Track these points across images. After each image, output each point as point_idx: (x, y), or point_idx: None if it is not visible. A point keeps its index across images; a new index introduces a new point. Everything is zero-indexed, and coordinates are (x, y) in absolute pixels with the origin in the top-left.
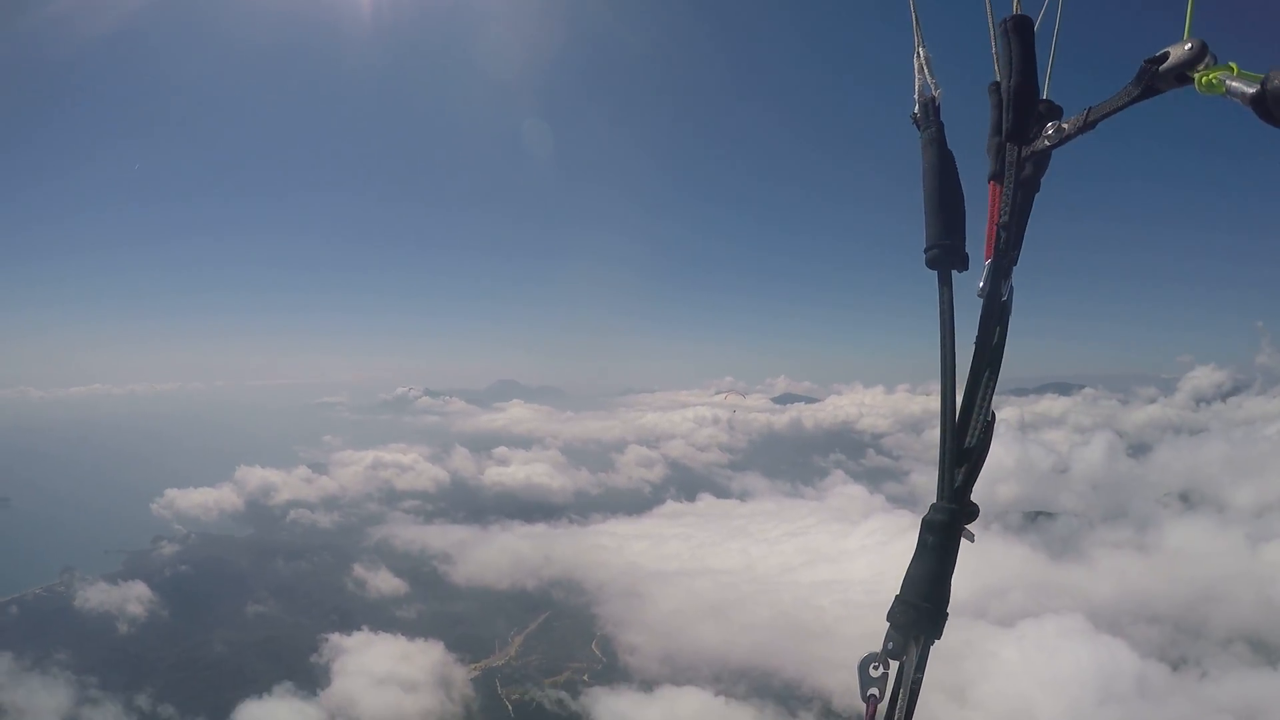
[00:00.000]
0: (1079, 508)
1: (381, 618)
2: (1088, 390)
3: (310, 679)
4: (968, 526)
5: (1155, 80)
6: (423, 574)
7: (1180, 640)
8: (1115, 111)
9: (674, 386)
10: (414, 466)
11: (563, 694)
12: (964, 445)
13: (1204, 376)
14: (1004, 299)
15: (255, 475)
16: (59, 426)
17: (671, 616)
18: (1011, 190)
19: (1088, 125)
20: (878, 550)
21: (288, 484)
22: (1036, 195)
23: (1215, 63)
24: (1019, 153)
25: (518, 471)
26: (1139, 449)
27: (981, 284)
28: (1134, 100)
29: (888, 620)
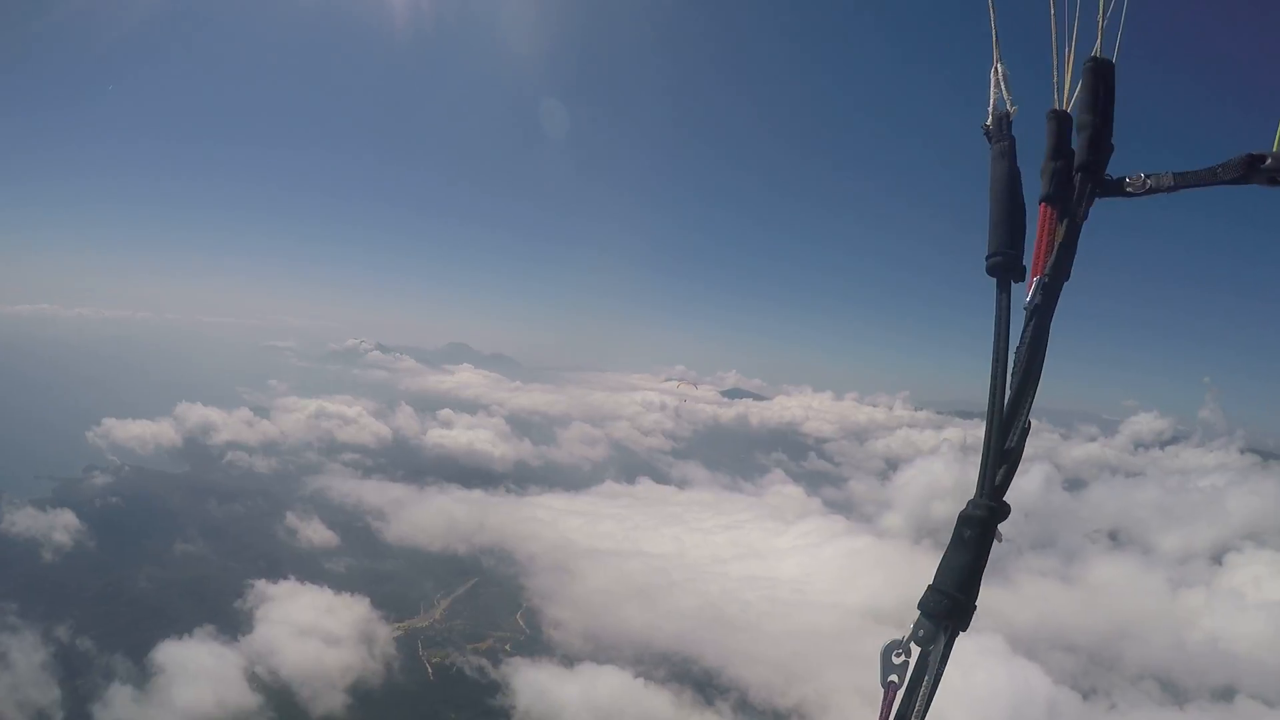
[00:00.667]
0: (1010, 533)
1: (310, 568)
2: (1030, 421)
3: (233, 623)
4: (999, 527)
5: (1251, 174)
6: (355, 528)
7: (1093, 671)
8: (1202, 186)
9: (625, 369)
10: (357, 420)
11: (484, 661)
12: (1005, 446)
13: (1146, 422)
14: (1050, 314)
15: (196, 412)
16: (1, 341)
17: (599, 595)
18: (1075, 218)
19: (1174, 188)
20: (809, 552)
21: (228, 424)
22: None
23: None
24: (1089, 187)
25: (460, 435)
26: (1075, 484)
27: (1028, 298)
28: (1225, 183)
29: (919, 608)
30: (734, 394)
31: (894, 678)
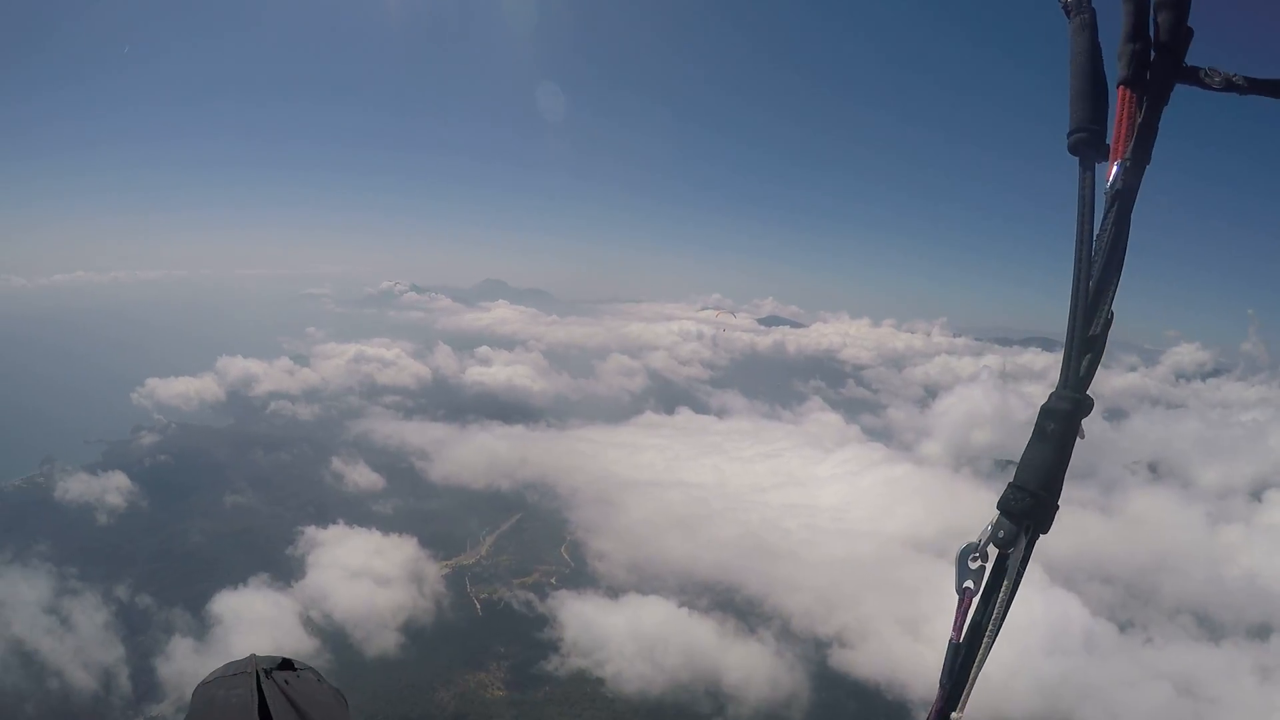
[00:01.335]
0: None
1: (357, 511)
2: (1114, 312)
3: (286, 570)
4: (1082, 423)
5: None
6: (400, 470)
7: (1130, 604)
8: (1275, 96)
9: (660, 299)
10: (396, 362)
11: (531, 595)
12: (1090, 334)
13: (1188, 354)
14: (1133, 198)
15: (237, 365)
16: (40, 314)
17: (641, 526)
18: (1156, 100)
19: (1247, 90)
20: (848, 480)
21: (269, 375)
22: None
23: None
24: (1168, 70)
25: (499, 372)
26: (1115, 414)
27: (1110, 182)
28: None
29: (998, 507)
30: (770, 321)
31: (969, 583)
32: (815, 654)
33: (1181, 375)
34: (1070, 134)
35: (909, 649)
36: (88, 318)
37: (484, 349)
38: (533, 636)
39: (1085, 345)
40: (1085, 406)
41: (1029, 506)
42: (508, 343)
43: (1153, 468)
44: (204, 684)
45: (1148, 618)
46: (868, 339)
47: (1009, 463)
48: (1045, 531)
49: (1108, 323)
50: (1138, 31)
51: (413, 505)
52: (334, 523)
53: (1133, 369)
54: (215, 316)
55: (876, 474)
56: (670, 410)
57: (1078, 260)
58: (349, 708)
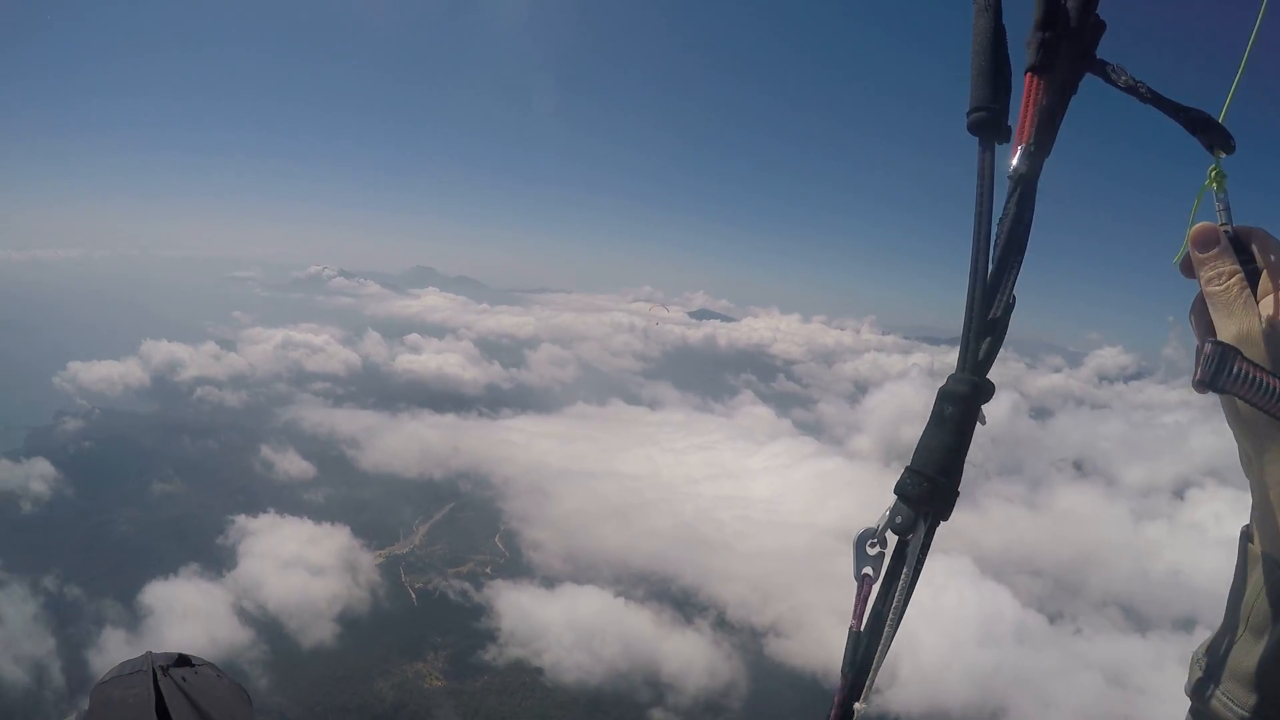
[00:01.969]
0: (977, 458)
1: (289, 500)
2: (1016, 297)
3: (217, 560)
4: (982, 408)
5: (1198, 131)
6: (331, 458)
7: (1059, 596)
8: (1167, 114)
9: (591, 290)
10: (325, 348)
11: (466, 585)
12: (989, 318)
13: (1110, 356)
14: (1035, 183)
15: (161, 350)
16: None
17: (575, 516)
18: (1063, 87)
19: (1147, 100)
20: (780, 473)
21: (195, 360)
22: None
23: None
24: (1077, 58)
25: (430, 360)
26: (1040, 413)
27: (1013, 165)
28: (1182, 125)
29: (895, 492)
30: (702, 315)
31: (869, 570)
32: (752, 643)
33: (1104, 377)
34: (970, 113)
35: (840, 636)
36: (4, 298)
37: (414, 336)
38: (469, 626)
39: (984, 329)
40: (985, 391)
41: (926, 492)
42: (438, 330)
43: (1078, 465)
44: (101, 684)
45: (1076, 609)
46: (798, 334)
47: None
48: (945, 519)
49: (1009, 307)
50: (1048, 20)
51: (344, 494)
52: (265, 511)
53: (1057, 370)
54: (138, 299)
55: (808, 467)
56: (602, 401)
57: (976, 241)
58: (251, 703)
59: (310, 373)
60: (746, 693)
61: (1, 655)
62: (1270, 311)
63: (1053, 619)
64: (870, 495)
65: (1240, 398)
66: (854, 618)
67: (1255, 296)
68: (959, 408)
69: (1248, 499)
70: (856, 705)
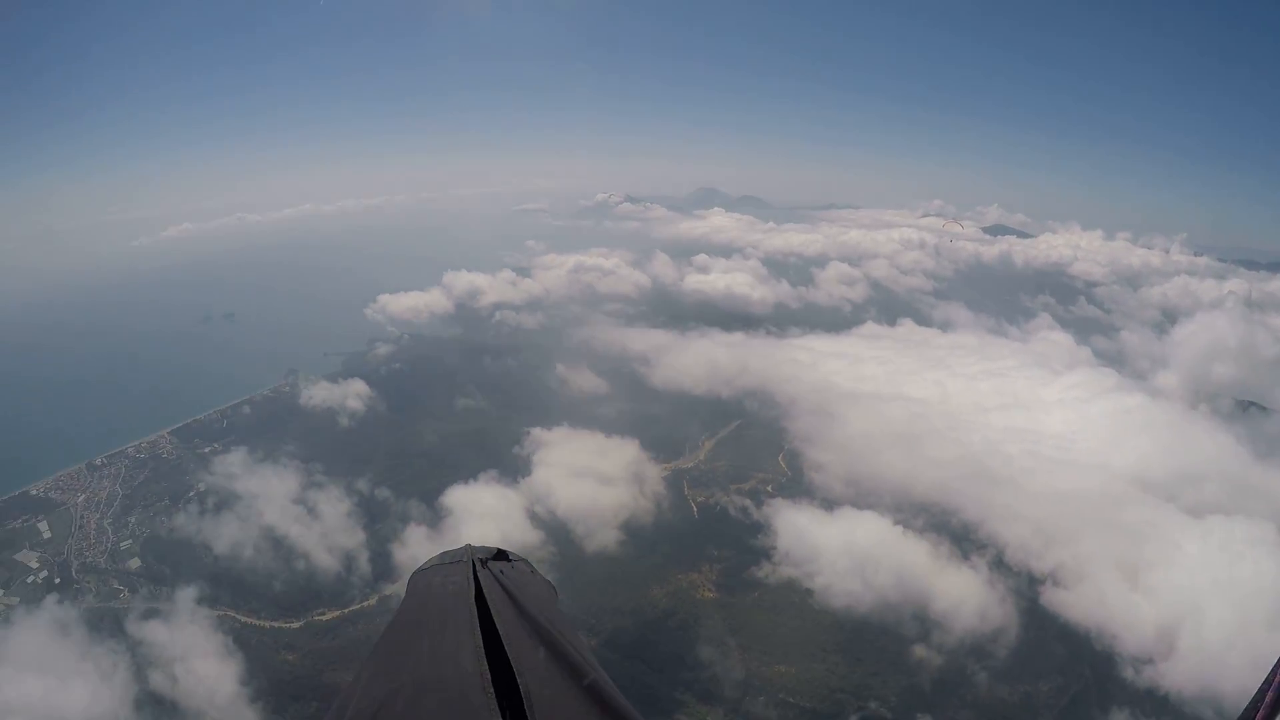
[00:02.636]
0: None
1: (581, 414)
2: None
3: (512, 468)
4: None
5: None
6: (622, 375)
7: None
8: None
9: (879, 205)
10: (615, 271)
11: (746, 501)
12: None
13: None
14: None
15: (462, 279)
16: (275, 246)
17: (859, 439)
18: None
19: None
20: (1076, 407)
21: (493, 287)
22: None
23: None
24: None
25: (718, 280)
26: None
27: None
28: None
29: None
30: (996, 231)
31: None
32: (1027, 590)
33: None
34: None
35: (1125, 597)
36: (320, 245)
37: (701, 257)
38: (746, 542)
39: None
40: None
41: None
42: (725, 250)
43: None
44: (420, 571)
45: None
46: (1100, 253)
47: (1252, 404)
48: None
49: None
50: None
51: (635, 409)
52: (559, 425)
53: None
54: (438, 236)
55: (1107, 403)
56: (892, 321)
57: None
58: (558, 598)
59: (602, 294)
60: (1015, 641)
61: (317, 546)
62: None
63: None
64: (1172, 439)
65: None
66: None
67: None
68: None
69: None
70: None
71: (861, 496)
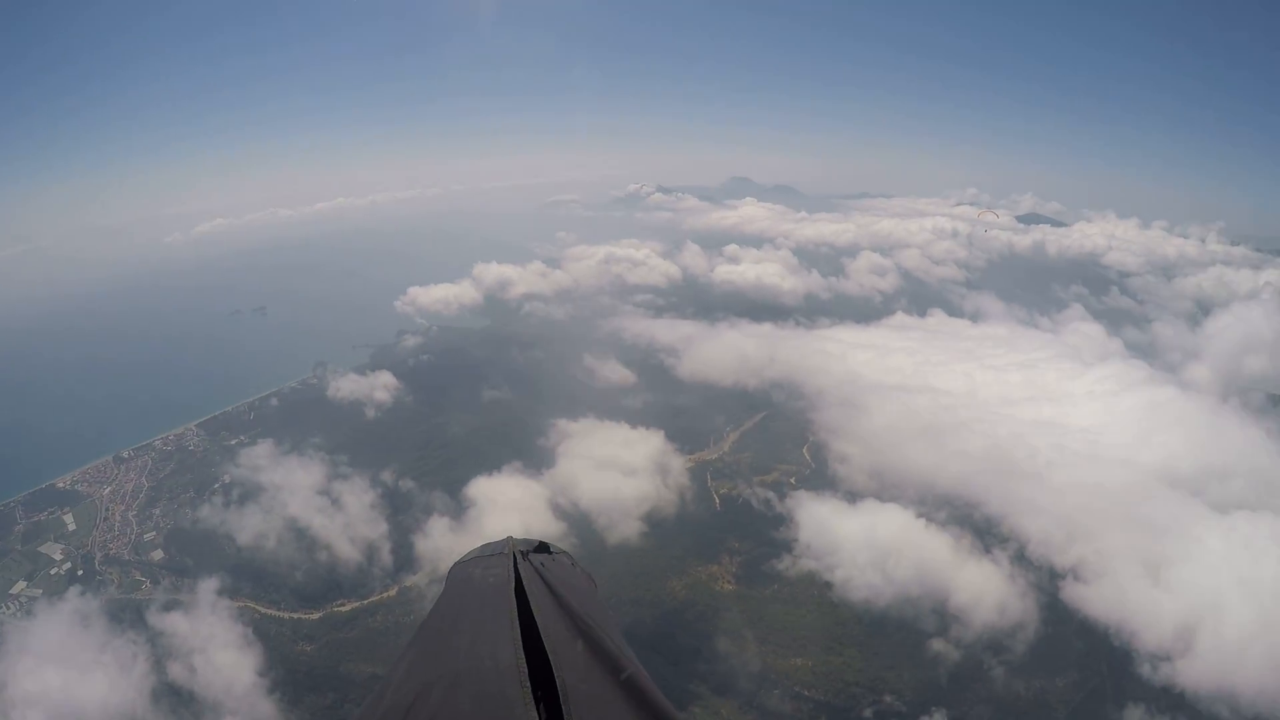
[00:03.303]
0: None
1: (608, 406)
2: None
3: (537, 460)
4: None
5: None
6: (650, 366)
7: None
8: None
9: (912, 194)
10: (646, 261)
11: (769, 493)
12: None
13: None
14: None
15: (492, 271)
16: (307, 240)
17: (886, 431)
18: None
19: None
20: (1105, 400)
21: (523, 278)
22: None
23: None
24: None
25: (748, 270)
26: None
27: None
28: None
29: None
30: (1030, 219)
31: None
32: (1048, 584)
33: None
34: None
35: (1146, 593)
36: (350, 238)
37: (732, 247)
38: (767, 534)
39: None
40: None
41: None
42: (756, 241)
43: None
44: (460, 563)
45: None
46: (1135, 243)
47: None
48: None
49: None
50: None
51: (661, 400)
52: (585, 416)
53: None
54: (468, 228)
55: (1137, 396)
56: (922, 312)
57: None
58: (598, 590)
59: (632, 285)
60: (1033, 636)
61: (340, 537)
62: None
63: None
64: (1202, 434)
65: None
66: None
67: None
68: None
69: None
70: None
71: (885, 489)
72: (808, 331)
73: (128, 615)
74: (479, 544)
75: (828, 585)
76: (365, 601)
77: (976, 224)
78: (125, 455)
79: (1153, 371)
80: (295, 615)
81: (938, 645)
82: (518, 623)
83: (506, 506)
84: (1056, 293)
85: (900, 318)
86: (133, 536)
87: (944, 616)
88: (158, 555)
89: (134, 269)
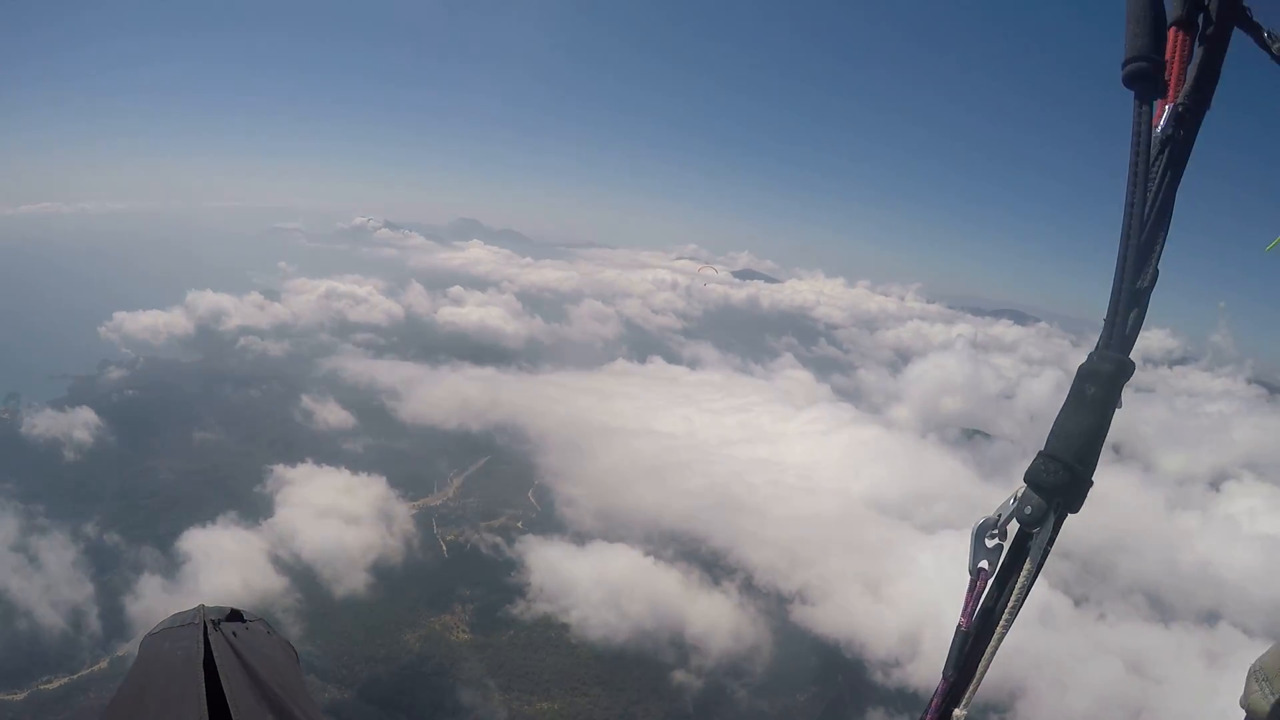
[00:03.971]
0: (1015, 434)
1: (327, 450)
2: (1042, 325)
3: (254, 508)
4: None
5: None
6: (370, 408)
7: (1086, 580)
8: None
9: (635, 245)
10: (368, 299)
11: (498, 539)
12: (1137, 286)
13: (1156, 340)
14: (1188, 148)
15: (206, 299)
16: (4, 246)
17: (609, 473)
18: (1214, 41)
19: None
20: (816, 439)
21: (239, 309)
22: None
23: None
24: (1226, 11)
25: (472, 313)
26: None
27: (1160, 127)
28: None
29: (1026, 479)
30: (745, 275)
31: (985, 563)
32: (778, 609)
33: (1149, 359)
34: (1125, 64)
35: (869, 609)
36: (54, 250)
37: (457, 289)
38: (499, 580)
39: (1132, 299)
40: (1128, 370)
41: (1062, 481)
42: (481, 283)
43: (1116, 448)
44: (151, 635)
45: (1102, 595)
46: (841, 299)
47: (976, 432)
48: (1075, 510)
49: (1153, 279)
50: None
51: (382, 444)
52: (303, 461)
53: None
54: (185, 249)
55: (845, 434)
56: (643, 359)
57: (1129, 204)
58: (299, 660)
59: (353, 323)
60: (769, 658)
61: (40, 601)
62: None
63: (1078, 602)
64: (905, 465)
65: None
66: (963, 615)
67: None
68: (1103, 388)
69: None
70: (956, 712)
71: (613, 529)
72: (531, 376)
73: None
74: (192, 606)
75: (565, 627)
76: (75, 676)
77: (696, 277)
78: None
79: (858, 412)
80: None
81: (680, 675)
82: (204, 700)
83: (224, 561)
84: (769, 342)
85: (621, 364)
86: None
87: (682, 648)
88: None
89: None
